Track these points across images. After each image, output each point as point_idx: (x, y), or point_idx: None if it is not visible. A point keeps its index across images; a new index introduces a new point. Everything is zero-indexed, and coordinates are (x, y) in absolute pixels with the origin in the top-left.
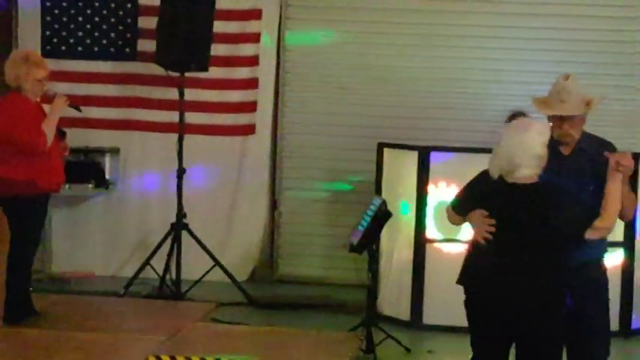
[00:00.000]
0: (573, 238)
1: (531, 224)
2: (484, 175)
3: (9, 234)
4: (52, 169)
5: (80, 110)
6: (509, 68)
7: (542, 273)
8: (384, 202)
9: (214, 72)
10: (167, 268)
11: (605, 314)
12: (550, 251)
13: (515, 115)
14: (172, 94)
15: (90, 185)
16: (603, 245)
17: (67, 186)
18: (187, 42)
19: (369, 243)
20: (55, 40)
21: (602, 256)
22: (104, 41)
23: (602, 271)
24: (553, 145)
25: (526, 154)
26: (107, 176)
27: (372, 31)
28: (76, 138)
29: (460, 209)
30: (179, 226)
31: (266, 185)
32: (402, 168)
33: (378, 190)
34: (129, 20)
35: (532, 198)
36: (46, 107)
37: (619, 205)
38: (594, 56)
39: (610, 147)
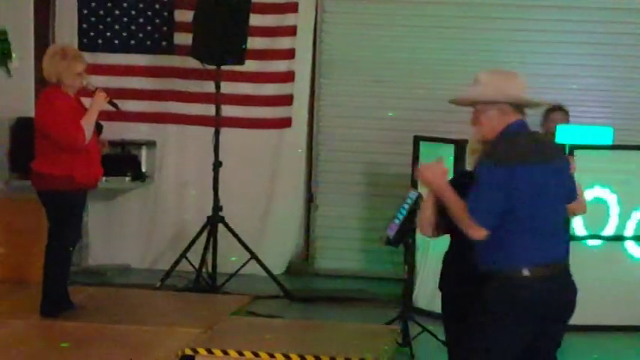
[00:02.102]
0: None
1: None
2: None
3: (47, 228)
4: (90, 165)
5: (118, 108)
6: (545, 61)
7: None
8: (420, 196)
9: (251, 65)
10: (203, 261)
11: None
12: None
13: (553, 108)
14: (209, 87)
15: (127, 178)
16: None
17: (103, 179)
18: (224, 35)
19: (405, 236)
20: (91, 34)
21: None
22: (141, 34)
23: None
24: None
25: None
26: (144, 169)
27: (408, 23)
28: (113, 131)
29: None
30: (215, 219)
31: (302, 178)
32: None
33: (414, 184)
34: (165, 13)
35: None
36: (85, 101)
37: (425, 214)
38: (630, 49)
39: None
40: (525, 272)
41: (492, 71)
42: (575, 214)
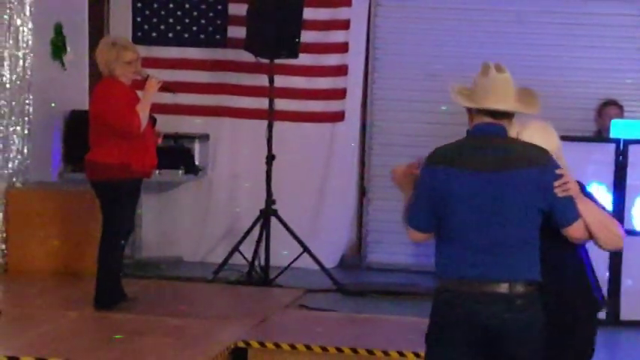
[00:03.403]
0: None
1: None
2: None
3: (101, 219)
4: (146, 153)
5: (174, 92)
6: (598, 56)
7: None
8: None
9: (304, 59)
10: (256, 254)
11: None
12: None
13: (607, 103)
14: (262, 80)
15: (180, 171)
16: None
17: (157, 172)
18: (277, 29)
19: None
20: (145, 27)
21: None
22: (194, 28)
23: None
24: None
25: None
26: (197, 162)
27: (462, 18)
28: (166, 124)
29: None
30: (268, 212)
31: (355, 172)
32: None
33: None
34: (219, 7)
35: None
36: (140, 93)
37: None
38: None
39: None
40: (443, 283)
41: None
42: (574, 239)
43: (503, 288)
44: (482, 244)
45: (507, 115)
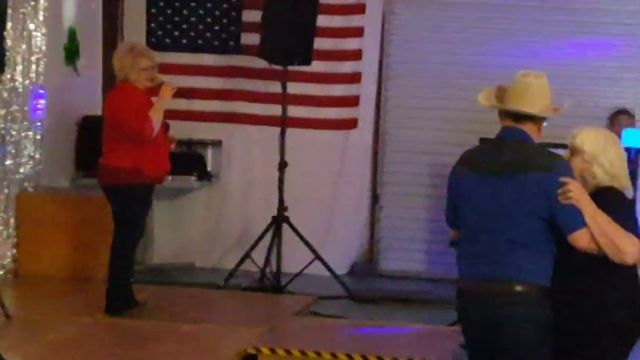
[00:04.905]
0: None
1: None
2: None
3: (112, 224)
4: (158, 158)
5: (188, 98)
6: (610, 65)
7: None
8: None
9: (317, 66)
10: (267, 261)
11: None
12: None
13: (619, 112)
14: (275, 87)
15: (192, 177)
16: None
17: (169, 178)
18: (291, 36)
19: None
20: (159, 33)
21: None
22: (208, 34)
23: None
24: None
25: None
26: (209, 168)
27: (476, 25)
28: (179, 130)
29: None
30: (280, 218)
31: (367, 179)
32: None
33: None
34: (233, 13)
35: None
36: (154, 99)
37: None
38: None
39: None
40: (457, 282)
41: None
42: (580, 248)
43: (500, 288)
44: (485, 245)
45: (530, 119)
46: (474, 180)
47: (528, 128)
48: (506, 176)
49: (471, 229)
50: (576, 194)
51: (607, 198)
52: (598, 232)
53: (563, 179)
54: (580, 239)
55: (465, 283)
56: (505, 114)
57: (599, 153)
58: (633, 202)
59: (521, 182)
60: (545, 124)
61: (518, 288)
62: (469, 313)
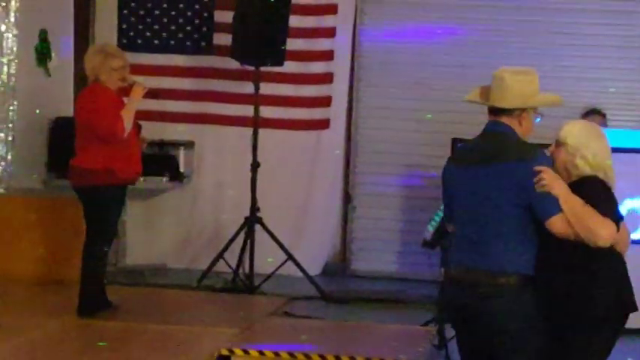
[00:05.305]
0: None
1: None
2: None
3: (85, 225)
4: (131, 159)
5: (159, 98)
6: (582, 64)
7: None
8: None
9: (289, 66)
10: (240, 262)
11: None
12: None
13: (590, 112)
14: (247, 88)
15: (164, 178)
16: None
17: (141, 179)
18: (263, 36)
19: (442, 238)
20: (131, 34)
21: None
22: (180, 35)
23: None
24: None
25: None
26: (182, 169)
27: (447, 26)
28: (152, 131)
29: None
30: (253, 219)
31: (339, 180)
32: None
33: None
34: (205, 14)
35: None
36: (126, 100)
37: None
38: None
39: None
40: (447, 271)
41: None
42: (557, 234)
43: (485, 278)
44: (472, 235)
45: (505, 112)
46: (458, 173)
47: (507, 121)
48: (484, 166)
49: (459, 221)
50: (549, 181)
51: (586, 185)
52: (572, 216)
53: (537, 168)
54: (556, 225)
55: (454, 272)
56: (488, 109)
57: (582, 145)
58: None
59: (499, 172)
60: (537, 119)
61: (502, 278)
62: (456, 301)
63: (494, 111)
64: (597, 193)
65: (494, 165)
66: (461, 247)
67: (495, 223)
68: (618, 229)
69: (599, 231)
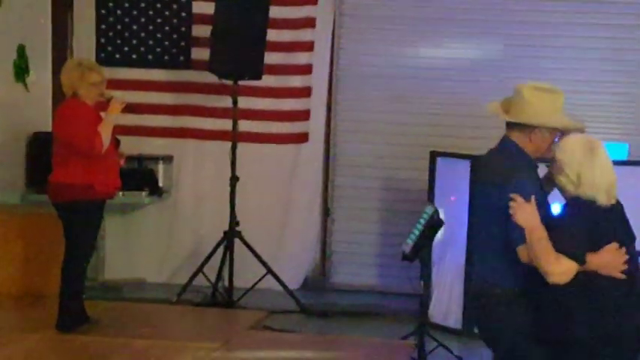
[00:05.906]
0: None
1: (629, 245)
2: (584, 207)
3: (63, 241)
4: (109, 174)
5: (136, 112)
6: (556, 77)
7: None
8: (436, 211)
9: (268, 80)
10: (219, 276)
11: None
12: None
13: None
14: (226, 102)
15: (143, 193)
16: None
17: (120, 193)
18: (241, 50)
19: (421, 251)
20: (109, 48)
21: None
22: (158, 49)
23: None
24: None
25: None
26: (160, 184)
27: (426, 40)
28: (130, 146)
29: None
30: (232, 234)
31: (319, 193)
32: (454, 177)
33: (431, 199)
34: (183, 28)
35: (624, 217)
36: (103, 115)
37: None
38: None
39: None
40: None
41: None
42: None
43: (481, 291)
44: (473, 249)
45: (516, 128)
46: (473, 188)
47: (516, 137)
48: (478, 184)
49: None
50: (516, 210)
51: (566, 209)
52: (529, 249)
53: (512, 195)
54: (521, 254)
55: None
56: (506, 124)
57: (566, 163)
58: (608, 210)
59: (482, 192)
60: (556, 139)
61: (496, 290)
62: (470, 312)
63: (507, 124)
64: (566, 219)
65: (479, 185)
66: (470, 260)
67: (484, 239)
68: (583, 264)
69: (548, 268)
